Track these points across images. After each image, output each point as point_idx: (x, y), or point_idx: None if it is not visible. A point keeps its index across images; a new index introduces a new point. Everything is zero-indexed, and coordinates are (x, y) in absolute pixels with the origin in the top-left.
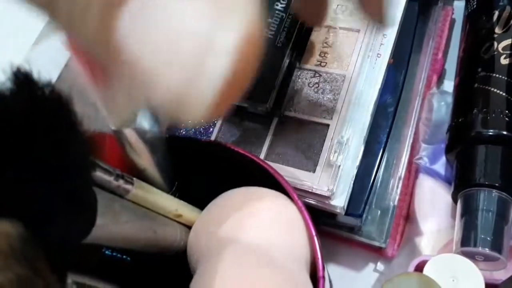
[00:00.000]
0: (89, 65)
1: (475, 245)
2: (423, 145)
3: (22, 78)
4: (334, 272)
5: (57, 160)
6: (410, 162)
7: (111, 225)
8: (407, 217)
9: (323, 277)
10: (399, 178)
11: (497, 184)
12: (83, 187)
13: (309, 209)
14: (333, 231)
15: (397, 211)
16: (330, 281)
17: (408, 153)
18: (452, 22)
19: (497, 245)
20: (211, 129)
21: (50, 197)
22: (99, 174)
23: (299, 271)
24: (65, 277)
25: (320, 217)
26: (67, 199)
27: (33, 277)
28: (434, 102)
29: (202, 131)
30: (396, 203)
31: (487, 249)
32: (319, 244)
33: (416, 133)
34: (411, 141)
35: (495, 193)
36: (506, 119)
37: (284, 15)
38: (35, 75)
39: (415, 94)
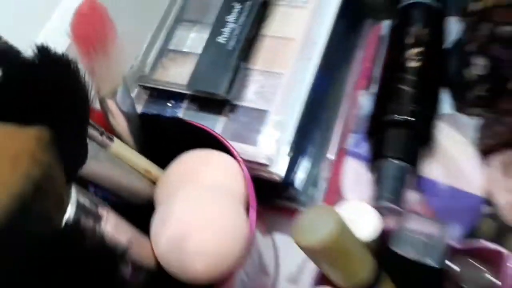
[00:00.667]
0: (84, 49)
1: (378, 199)
2: (352, 135)
3: (45, 52)
4: (280, 240)
5: (70, 112)
6: (340, 148)
7: (96, 165)
8: (337, 190)
9: (253, 206)
10: (331, 160)
11: (400, 156)
12: (82, 132)
13: (258, 180)
14: (277, 202)
15: (329, 185)
16: (275, 247)
17: (339, 140)
18: (383, 37)
19: (396, 200)
20: (177, 111)
21: (65, 132)
22: (89, 129)
23: (238, 204)
24: (70, 189)
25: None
26: (74, 136)
27: (53, 177)
28: (362, 100)
29: (169, 111)
30: (328, 179)
31: (389, 203)
32: (252, 187)
33: (347, 125)
34: (341, 131)
35: (397, 162)
36: (411, 108)
37: (234, 25)
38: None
39: (346, 94)
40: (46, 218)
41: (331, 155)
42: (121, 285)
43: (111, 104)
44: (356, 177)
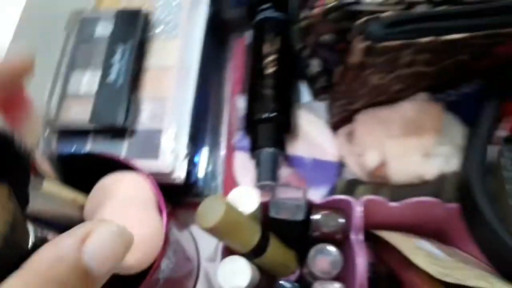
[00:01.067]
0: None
1: (259, 180)
2: (236, 132)
3: None
4: (196, 230)
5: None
6: (229, 143)
7: (35, 203)
8: (232, 178)
9: (163, 210)
10: (223, 155)
11: (270, 145)
12: (26, 182)
13: (166, 187)
14: (188, 200)
15: (225, 176)
16: (193, 236)
17: (226, 138)
18: (248, 46)
19: (272, 178)
20: (85, 146)
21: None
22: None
23: (151, 209)
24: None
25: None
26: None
27: (18, 220)
28: (239, 103)
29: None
30: (223, 171)
31: (267, 182)
32: (160, 194)
33: (231, 125)
34: (227, 130)
35: (269, 150)
36: (272, 106)
37: (119, 64)
38: None
39: (225, 99)
40: (19, 246)
41: (222, 151)
42: None
43: (36, 152)
44: (244, 166)
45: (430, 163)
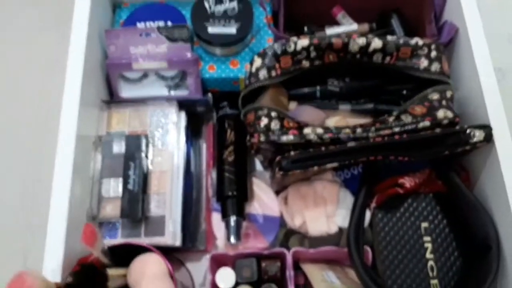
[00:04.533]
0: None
1: (228, 240)
2: (213, 198)
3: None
4: (191, 266)
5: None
6: (208, 205)
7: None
8: (212, 233)
9: (171, 272)
10: (204, 215)
11: (234, 214)
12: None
13: (167, 250)
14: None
15: (207, 231)
16: (188, 271)
17: (206, 200)
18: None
19: (237, 237)
20: (117, 232)
21: None
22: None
23: (166, 276)
24: None
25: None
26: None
27: None
28: (214, 175)
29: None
30: (205, 228)
31: (233, 240)
32: (167, 263)
33: (207, 193)
34: (206, 195)
35: (233, 217)
36: (234, 186)
37: (134, 176)
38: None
39: (204, 172)
40: None
41: (204, 210)
42: None
43: (101, 256)
44: (218, 223)
45: (332, 222)
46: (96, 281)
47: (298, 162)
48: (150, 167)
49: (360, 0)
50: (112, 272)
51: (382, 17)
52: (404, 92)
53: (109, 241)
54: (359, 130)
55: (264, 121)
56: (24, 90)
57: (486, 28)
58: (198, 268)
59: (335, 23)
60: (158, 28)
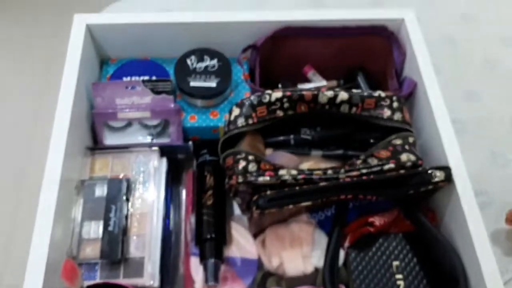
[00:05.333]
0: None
1: (206, 282)
2: (191, 243)
3: None
4: None
5: None
6: (186, 250)
7: None
8: (189, 275)
9: None
10: (182, 259)
11: (212, 257)
12: None
13: None
14: None
15: (185, 273)
16: None
17: (184, 245)
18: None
19: (215, 279)
20: (97, 273)
21: None
22: None
23: None
24: None
25: None
26: None
27: None
28: (192, 220)
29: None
30: (183, 272)
31: (211, 282)
32: None
33: (186, 237)
34: (185, 240)
35: (212, 260)
36: (213, 229)
37: (115, 218)
38: None
39: (183, 217)
40: None
41: (182, 255)
42: None
43: None
44: (196, 267)
45: (308, 262)
46: None
47: (274, 201)
48: (131, 209)
49: (328, 60)
50: None
51: (349, 74)
52: (372, 141)
53: (88, 283)
54: (330, 171)
55: (242, 163)
56: (14, 135)
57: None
58: None
59: (307, 80)
60: (143, 81)
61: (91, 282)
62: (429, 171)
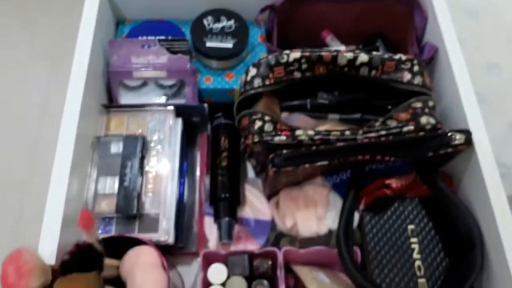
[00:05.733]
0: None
1: (220, 240)
2: (206, 203)
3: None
4: (181, 269)
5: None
6: (201, 210)
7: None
8: (203, 235)
9: (164, 265)
10: (196, 218)
11: (226, 216)
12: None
13: (161, 246)
14: (176, 251)
15: (199, 233)
16: (178, 273)
17: (198, 204)
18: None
19: (229, 238)
20: (112, 227)
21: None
22: None
23: (159, 267)
24: None
25: (171, 249)
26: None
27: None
28: (206, 181)
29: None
30: (197, 231)
31: (225, 240)
32: (161, 255)
33: (200, 197)
34: (199, 200)
35: (226, 219)
36: (227, 189)
37: (130, 174)
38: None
39: (198, 178)
40: None
41: (196, 214)
42: None
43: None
44: (210, 226)
45: (323, 224)
46: (92, 261)
47: (290, 159)
48: (147, 167)
49: (347, 25)
50: (106, 261)
51: (367, 41)
52: (389, 107)
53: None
54: (347, 132)
55: (258, 123)
56: (30, 89)
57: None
58: (189, 271)
59: (325, 46)
60: (160, 40)
61: (107, 235)
62: (449, 134)
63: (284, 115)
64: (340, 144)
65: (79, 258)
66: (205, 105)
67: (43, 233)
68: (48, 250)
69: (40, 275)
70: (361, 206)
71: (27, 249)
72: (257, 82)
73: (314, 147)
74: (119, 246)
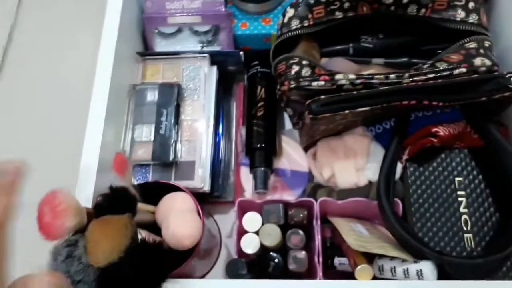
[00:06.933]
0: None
1: (256, 189)
2: (242, 153)
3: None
4: (218, 218)
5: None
6: (236, 161)
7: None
8: (240, 184)
9: (199, 212)
10: (233, 168)
11: (262, 165)
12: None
13: (198, 195)
14: (212, 200)
15: (235, 183)
16: (216, 222)
17: (235, 155)
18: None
19: (265, 188)
20: (149, 174)
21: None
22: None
23: (194, 213)
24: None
25: (207, 196)
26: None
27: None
28: (242, 132)
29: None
30: (233, 180)
31: (261, 190)
32: (197, 203)
33: (237, 148)
34: (236, 150)
35: (261, 168)
36: (263, 138)
37: (166, 122)
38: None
39: (234, 128)
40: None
41: (232, 164)
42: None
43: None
44: (247, 177)
45: (362, 175)
46: (126, 203)
47: (328, 105)
48: (182, 115)
49: None
50: (141, 206)
51: None
52: (439, 52)
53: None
54: (392, 76)
55: (295, 68)
56: (63, 42)
57: None
58: (226, 220)
59: None
60: None
61: (143, 182)
62: (507, 75)
63: (324, 60)
64: (384, 88)
65: (113, 201)
66: (241, 52)
67: (80, 179)
68: (85, 195)
69: (75, 216)
70: (405, 156)
71: (62, 190)
72: (295, 23)
73: (355, 92)
74: (156, 192)
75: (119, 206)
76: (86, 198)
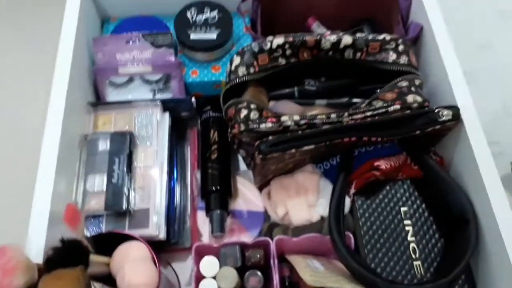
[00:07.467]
0: (72, 228)
1: (213, 232)
2: (198, 197)
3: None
4: (175, 265)
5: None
6: (193, 205)
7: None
8: (196, 229)
9: (155, 260)
10: (189, 213)
11: (217, 208)
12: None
13: (154, 243)
14: (170, 248)
15: (192, 228)
16: (173, 269)
17: (191, 199)
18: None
19: (221, 230)
20: (101, 225)
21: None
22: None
23: (150, 263)
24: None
25: (162, 244)
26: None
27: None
28: (198, 176)
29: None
30: (190, 226)
31: (217, 233)
32: (151, 251)
33: (192, 192)
34: (191, 195)
35: (217, 211)
36: (218, 181)
37: (118, 170)
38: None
39: (189, 172)
40: None
41: (189, 210)
42: None
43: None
44: (203, 221)
45: (314, 211)
46: (78, 256)
47: (276, 145)
48: (135, 163)
49: (332, 11)
50: (94, 258)
51: (354, 26)
52: (378, 91)
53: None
54: (333, 115)
55: (244, 112)
56: (12, 92)
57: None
58: (184, 268)
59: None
60: (143, 35)
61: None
62: (436, 110)
63: (272, 103)
64: (326, 127)
65: (65, 254)
66: (193, 98)
67: (30, 232)
68: (35, 248)
69: (26, 273)
70: (352, 190)
71: (12, 246)
72: (242, 71)
73: (299, 132)
74: (111, 243)
75: (71, 259)
76: (37, 251)
